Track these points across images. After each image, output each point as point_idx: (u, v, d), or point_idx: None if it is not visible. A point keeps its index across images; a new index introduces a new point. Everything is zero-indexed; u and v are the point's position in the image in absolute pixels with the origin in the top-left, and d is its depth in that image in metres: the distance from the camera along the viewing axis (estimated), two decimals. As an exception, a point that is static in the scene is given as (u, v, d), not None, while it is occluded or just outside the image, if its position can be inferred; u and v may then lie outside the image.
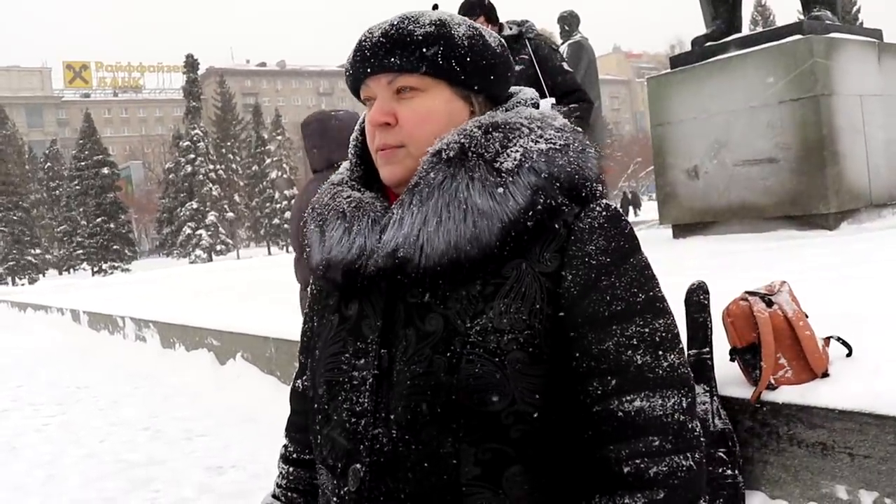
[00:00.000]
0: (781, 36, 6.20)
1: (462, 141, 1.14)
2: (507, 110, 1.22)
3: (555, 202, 1.11)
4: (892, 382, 1.89)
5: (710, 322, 2.27)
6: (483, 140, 1.13)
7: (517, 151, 1.12)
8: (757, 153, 6.14)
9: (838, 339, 2.19)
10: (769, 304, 2.12)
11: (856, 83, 6.13)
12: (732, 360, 2.21)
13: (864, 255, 4.30)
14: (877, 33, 6.86)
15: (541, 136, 1.15)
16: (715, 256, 5.12)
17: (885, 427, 1.77)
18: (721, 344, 2.24)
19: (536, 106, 1.27)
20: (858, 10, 53.62)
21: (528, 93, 1.29)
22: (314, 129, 3.73)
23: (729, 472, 2.10)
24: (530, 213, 1.10)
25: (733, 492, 2.10)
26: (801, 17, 6.96)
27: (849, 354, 2.16)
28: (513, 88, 1.29)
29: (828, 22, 6.41)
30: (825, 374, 2.06)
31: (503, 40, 1.27)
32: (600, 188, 1.17)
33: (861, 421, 1.83)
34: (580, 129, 1.21)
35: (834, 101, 5.90)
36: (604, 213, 1.13)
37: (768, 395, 2.06)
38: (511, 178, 1.11)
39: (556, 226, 1.12)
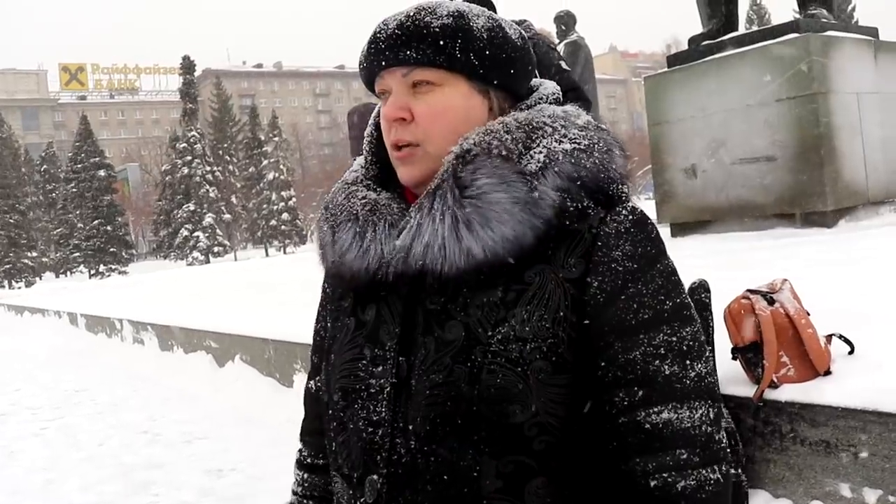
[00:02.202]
0: (778, 34, 6.20)
1: (487, 141, 1.09)
2: (528, 107, 1.17)
3: (581, 205, 1.08)
4: (895, 379, 1.89)
5: (712, 321, 2.26)
6: (508, 141, 1.09)
7: (541, 153, 1.08)
8: (755, 151, 6.15)
9: (840, 336, 2.18)
10: (771, 301, 2.11)
11: (852, 81, 6.13)
12: (734, 358, 2.20)
13: (862, 252, 4.30)
14: (873, 31, 6.87)
15: (564, 136, 1.11)
16: (714, 255, 5.11)
17: (889, 425, 1.77)
18: (723, 343, 2.23)
19: (559, 101, 1.22)
20: (854, 9, 53.71)
21: (550, 87, 1.24)
22: (355, 121, 4.21)
23: (732, 471, 2.10)
24: (556, 218, 1.06)
25: (736, 491, 2.09)
26: (797, 15, 6.97)
27: (851, 352, 2.15)
28: (534, 81, 1.25)
29: (823, 20, 6.41)
30: (828, 372, 2.05)
31: (524, 33, 1.23)
32: (626, 189, 1.13)
33: (864, 419, 1.83)
34: (604, 127, 1.17)
35: (831, 99, 5.91)
36: (630, 216, 1.10)
37: (771, 394, 2.05)
38: (537, 182, 1.06)
39: (581, 230, 1.08)
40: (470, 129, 1.13)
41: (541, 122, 1.12)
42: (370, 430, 1.11)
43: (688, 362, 1.06)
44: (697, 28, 7.23)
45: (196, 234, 57.15)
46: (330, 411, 1.21)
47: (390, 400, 1.10)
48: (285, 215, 60.95)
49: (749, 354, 2.13)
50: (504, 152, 1.08)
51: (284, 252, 56.04)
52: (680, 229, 6.85)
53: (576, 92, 3.66)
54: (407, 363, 1.10)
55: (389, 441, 1.09)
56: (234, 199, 63.86)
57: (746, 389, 2.12)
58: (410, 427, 1.07)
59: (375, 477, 1.09)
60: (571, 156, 1.09)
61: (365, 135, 1.29)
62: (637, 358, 1.05)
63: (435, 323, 1.09)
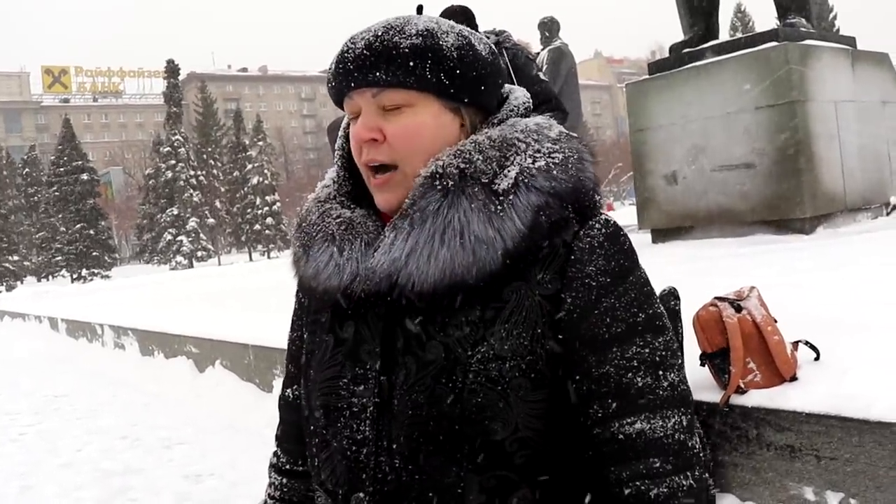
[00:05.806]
0: (757, 43, 6.26)
1: (458, 164, 1.09)
2: (500, 121, 1.18)
3: (556, 220, 1.09)
4: (858, 385, 1.92)
5: (682, 328, 2.29)
6: (480, 161, 1.09)
7: (514, 170, 1.08)
8: (734, 158, 6.20)
9: (806, 343, 2.21)
10: (738, 309, 2.14)
11: (830, 90, 6.20)
12: (702, 364, 2.23)
13: (838, 259, 4.34)
14: (850, 41, 6.94)
15: (538, 151, 1.11)
16: (693, 261, 5.15)
17: (850, 429, 1.80)
18: (692, 349, 2.26)
19: (529, 109, 1.23)
20: (835, 17, 54.19)
21: (521, 97, 1.24)
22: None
23: (706, 475, 2.12)
24: (534, 235, 1.07)
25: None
26: (778, 23, 7.03)
27: (817, 358, 2.18)
28: (505, 87, 1.25)
29: (802, 29, 6.48)
30: (793, 378, 2.08)
31: (492, 46, 1.23)
32: (598, 198, 1.15)
33: (827, 423, 1.86)
34: (575, 136, 1.18)
35: (809, 107, 5.96)
36: (603, 230, 1.11)
37: (737, 399, 2.08)
38: (510, 200, 1.07)
39: (556, 245, 1.09)
40: (442, 148, 1.13)
41: (513, 138, 1.12)
42: (354, 448, 1.12)
43: (660, 373, 1.09)
44: (682, 35, 7.28)
45: (179, 238, 56.86)
46: (311, 427, 1.21)
47: (374, 419, 1.10)
48: (269, 220, 60.75)
49: (717, 360, 2.16)
50: (476, 173, 1.08)
51: (268, 257, 55.87)
52: (660, 235, 6.89)
53: (552, 103, 3.69)
54: (388, 382, 1.10)
55: (374, 459, 1.10)
56: (217, 204, 63.64)
57: (714, 395, 2.14)
58: (394, 446, 1.08)
59: (362, 495, 1.10)
60: (547, 172, 1.10)
61: (336, 148, 1.27)
62: (610, 371, 1.08)
63: (415, 343, 1.09)
